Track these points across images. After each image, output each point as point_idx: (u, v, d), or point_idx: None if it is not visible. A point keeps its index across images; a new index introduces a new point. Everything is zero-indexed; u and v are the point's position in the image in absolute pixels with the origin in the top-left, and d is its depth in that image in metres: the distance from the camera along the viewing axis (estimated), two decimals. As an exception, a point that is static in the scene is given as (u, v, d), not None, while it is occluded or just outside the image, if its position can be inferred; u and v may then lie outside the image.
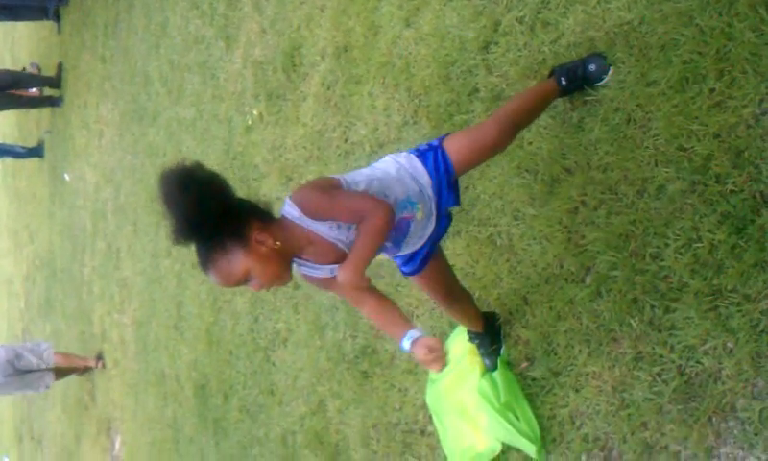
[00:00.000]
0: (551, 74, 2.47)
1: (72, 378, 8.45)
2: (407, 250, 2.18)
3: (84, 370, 7.79)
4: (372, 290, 2.09)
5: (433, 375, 2.88)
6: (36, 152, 10.78)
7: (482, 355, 2.68)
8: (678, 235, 2.12)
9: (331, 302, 3.70)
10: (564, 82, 2.42)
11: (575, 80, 2.41)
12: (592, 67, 2.38)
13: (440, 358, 1.92)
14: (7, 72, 10.18)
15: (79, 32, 9.02)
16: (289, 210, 1.98)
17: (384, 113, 3.41)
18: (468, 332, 2.69)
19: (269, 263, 1.91)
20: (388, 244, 2.08)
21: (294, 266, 2.04)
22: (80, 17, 9.01)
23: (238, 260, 1.88)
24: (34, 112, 11.27)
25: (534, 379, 2.53)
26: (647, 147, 2.23)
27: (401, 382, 3.15)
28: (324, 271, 2.04)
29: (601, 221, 2.35)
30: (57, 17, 9.63)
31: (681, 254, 2.10)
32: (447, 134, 2.21)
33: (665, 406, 2.10)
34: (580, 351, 2.37)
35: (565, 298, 2.44)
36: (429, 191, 2.11)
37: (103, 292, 7.67)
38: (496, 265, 2.73)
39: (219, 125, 5.14)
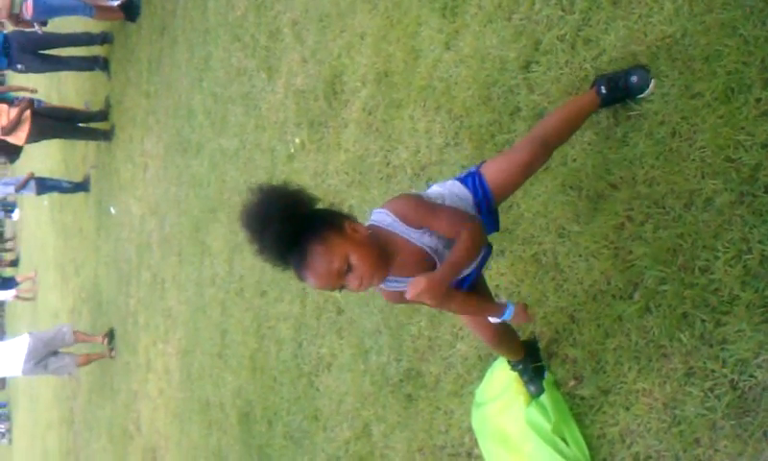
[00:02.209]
0: (593, 85, 2.48)
1: (119, 407, 8.56)
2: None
3: (108, 354, 9.05)
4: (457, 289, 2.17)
5: (478, 398, 2.87)
6: (82, 186, 11.05)
7: (525, 383, 2.64)
8: (727, 247, 2.09)
9: (375, 326, 3.70)
10: (603, 90, 2.41)
11: (616, 90, 2.40)
12: (634, 79, 2.37)
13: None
14: (62, 108, 10.51)
15: (123, 68, 9.25)
16: (381, 217, 2.06)
17: (425, 136, 3.44)
18: (509, 361, 2.67)
19: (367, 248, 1.94)
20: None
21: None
22: (124, 54, 9.24)
23: (337, 245, 1.90)
24: (80, 148, 11.56)
25: (582, 398, 2.50)
26: (693, 159, 2.22)
27: (447, 405, 3.13)
28: (405, 284, 2.04)
29: (648, 236, 2.32)
30: (106, 67, 9.86)
31: (731, 266, 2.07)
32: (484, 161, 2.27)
33: (718, 422, 2.06)
34: (629, 368, 2.34)
35: (613, 314, 2.41)
36: (474, 212, 2.16)
37: (148, 322, 7.78)
38: (542, 284, 2.72)
39: (262, 154, 5.21)
